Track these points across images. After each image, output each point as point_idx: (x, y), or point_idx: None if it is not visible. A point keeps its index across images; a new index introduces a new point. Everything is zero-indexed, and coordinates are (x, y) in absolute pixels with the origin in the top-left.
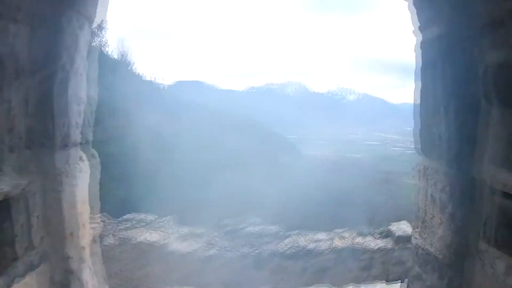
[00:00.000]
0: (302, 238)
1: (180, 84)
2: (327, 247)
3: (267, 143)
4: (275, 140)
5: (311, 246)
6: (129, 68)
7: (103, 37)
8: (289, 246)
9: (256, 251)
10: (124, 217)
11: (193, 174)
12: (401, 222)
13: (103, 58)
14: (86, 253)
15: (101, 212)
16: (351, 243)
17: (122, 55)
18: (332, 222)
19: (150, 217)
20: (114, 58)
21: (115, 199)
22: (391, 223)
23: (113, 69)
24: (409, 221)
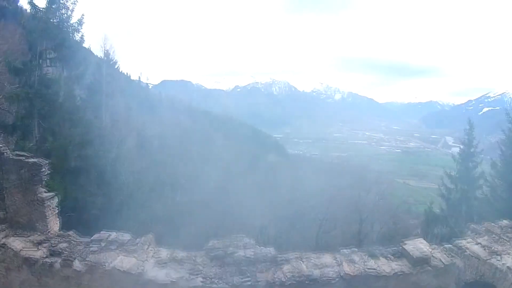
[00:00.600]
0: (304, 264)
1: (166, 83)
2: (335, 274)
3: (253, 143)
4: (261, 139)
5: (316, 273)
6: (115, 67)
7: (82, 33)
8: (289, 275)
9: (250, 281)
10: (95, 236)
11: (176, 179)
12: (417, 240)
13: (86, 55)
14: None
15: (69, 229)
16: (363, 268)
17: (106, 54)
18: (325, 227)
19: (124, 237)
20: (98, 56)
21: (88, 209)
22: (405, 241)
23: (97, 67)
24: (425, 238)
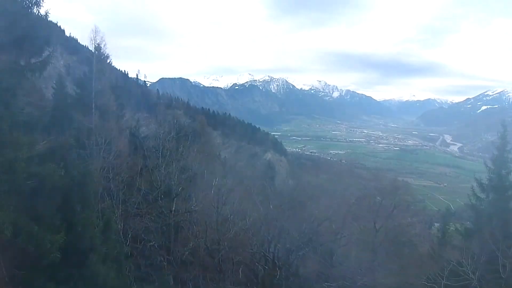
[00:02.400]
0: None
1: (163, 81)
2: None
3: (251, 141)
4: (259, 137)
5: None
6: (107, 61)
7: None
8: None
9: None
10: None
11: (171, 185)
12: None
13: (51, 37)
14: None
15: None
16: None
17: (97, 48)
18: (340, 241)
19: None
20: (89, 49)
21: (46, 251)
22: None
23: (87, 61)
24: None
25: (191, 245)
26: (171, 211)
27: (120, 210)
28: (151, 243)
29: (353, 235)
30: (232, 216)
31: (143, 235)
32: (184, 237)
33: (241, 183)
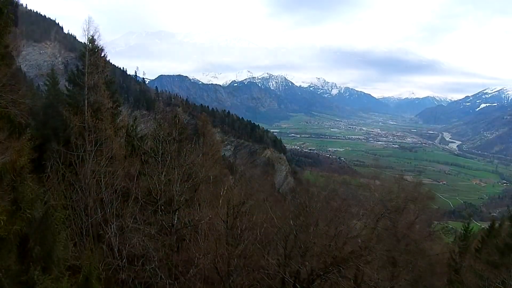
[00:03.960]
0: None
1: (162, 78)
2: None
3: (250, 138)
4: (258, 134)
5: None
6: (101, 55)
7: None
8: None
9: None
10: None
11: (171, 195)
12: None
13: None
14: None
15: None
16: None
17: (90, 40)
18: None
19: None
20: (82, 42)
21: None
22: None
23: (81, 55)
24: None
25: (196, 263)
26: (172, 225)
27: (114, 224)
28: (151, 266)
29: (378, 251)
30: (244, 231)
31: (141, 250)
32: (188, 255)
33: (254, 192)
